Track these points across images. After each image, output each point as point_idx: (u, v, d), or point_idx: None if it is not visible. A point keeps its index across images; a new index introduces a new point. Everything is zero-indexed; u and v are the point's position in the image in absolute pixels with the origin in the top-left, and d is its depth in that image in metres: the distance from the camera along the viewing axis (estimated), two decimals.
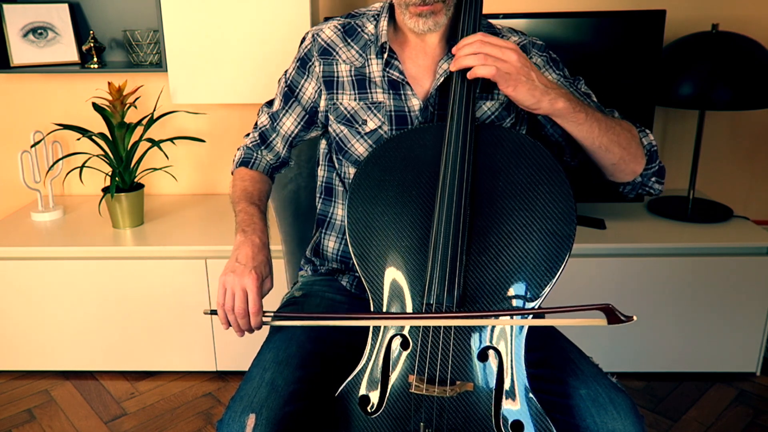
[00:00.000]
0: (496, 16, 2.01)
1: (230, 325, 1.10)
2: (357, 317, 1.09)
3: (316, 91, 1.29)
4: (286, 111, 1.33)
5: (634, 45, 2.07)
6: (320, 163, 1.39)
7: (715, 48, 2.06)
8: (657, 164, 1.24)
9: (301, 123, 1.33)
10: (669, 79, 2.08)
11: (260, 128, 1.36)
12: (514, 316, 1.03)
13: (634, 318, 0.93)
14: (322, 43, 1.28)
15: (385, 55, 1.23)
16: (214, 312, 1.11)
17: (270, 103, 1.38)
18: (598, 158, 1.17)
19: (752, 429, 1.95)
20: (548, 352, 1.17)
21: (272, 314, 1.07)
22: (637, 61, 2.08)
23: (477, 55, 1.04)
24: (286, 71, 1.34)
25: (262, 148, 1.36)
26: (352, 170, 1.30)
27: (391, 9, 1.25)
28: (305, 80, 1.30)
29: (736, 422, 1.97)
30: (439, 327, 1.03)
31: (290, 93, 1.32)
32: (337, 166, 1.33)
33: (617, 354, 2.13)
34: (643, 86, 2.09)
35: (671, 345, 2.12)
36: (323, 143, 1.38)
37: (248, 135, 1.39)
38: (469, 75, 1.07)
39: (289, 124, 1.33)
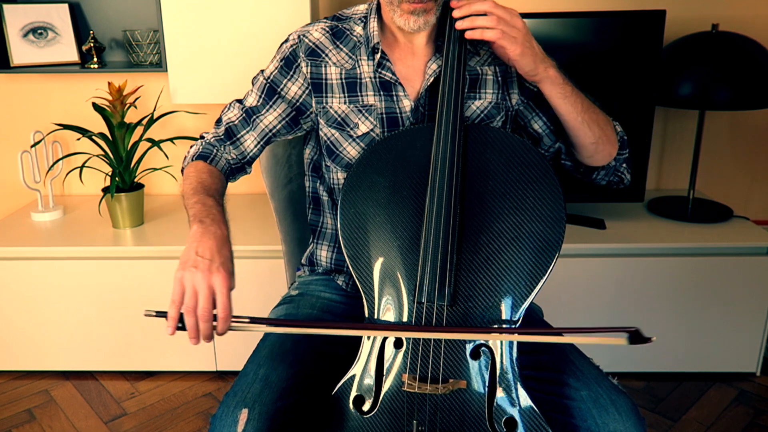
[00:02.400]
0: None
1: (180, 329, 0.96)
2: (332, 325, 1.10)
3: (304, 91, 1.27)
4: (270, 106, 1.28)
5: (634, 45, 2.07)
6: (305, 173, 1.38)
7: (715, 48, 2.06)
8: (627, 152, 1.31)
9: (286, 119, 1.29)
10: (669, 79, 2.08)
11: (227, 124, 1.29)
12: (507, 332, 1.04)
13: (654, 339, 0.93)
14: (310, 44, 1.26)
15: (377, 56, 1.23)
16: (162, 314, 0.96)
17: (241, 101, 1.31)
18: (580, 136, 1.21)
19: (752, 429, 1.95)
20: (549, 354, 1.17)
21: (243, 320, 0.97)
22: (637, 61, 2.07)
23: (488, 17, 1.09)
24: (262, 71, 1.30)
25: (227, 143, 1.29)
26: (341, 175, 1.28)
27: (378, 11, 1.25)
28: (288, 80, 1.27)
29: (736, 422, 1.97)
30: (432, 325, 1.03)
31: (272, 90, 1.28)
32: (324, 172, 1.32)
33: (617, 354, 2.13)
34: (643, 86, 2.09)
35: (671, 345, 2.12)
36: (308, 152, 1.36)
37: (203, 135, 1.31)
38: (476, 36, 1.10)
39: (271, 119, 1.28)
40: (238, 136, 1.29)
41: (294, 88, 1.27)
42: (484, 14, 1.09)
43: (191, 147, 1.28)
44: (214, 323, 0.96)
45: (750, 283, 2.04)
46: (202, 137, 1.30)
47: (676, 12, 2.20)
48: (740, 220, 2.20)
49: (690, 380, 2.16)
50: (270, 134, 1.30)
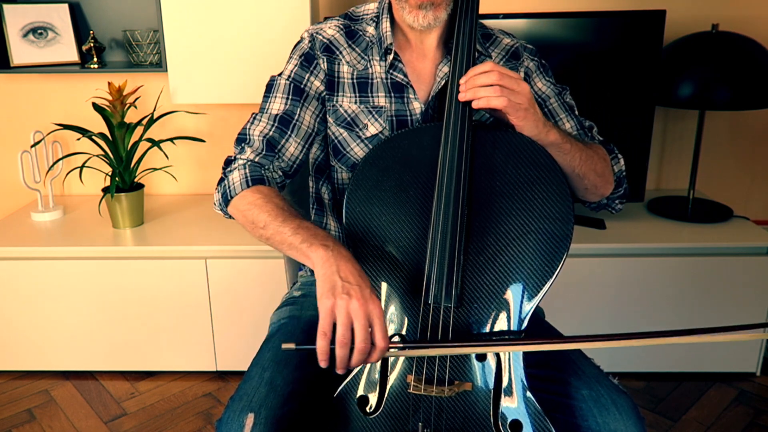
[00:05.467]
0: (495, 16, 2.01)
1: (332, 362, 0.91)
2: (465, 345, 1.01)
3: (325, 86, 1.24)
4: (303, 105, 1.21)
5: (634, 45, 2.07)
6: (310, 173, 1.36)
7: (715, 48, 2.06)
8: (623, 188, 1.30)
9: (319, 116, 1.24)
10: (669, 79, 2.08)
11: (262, 137, 1.18)
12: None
13: None
14: (324, 40, 1.24)
15: (390, 57, 1.22)
16: (303, 349, 0.93)
17: (262, 111, 1.23)
18: (574, 182, 1.19)
19: (752, 429, 1.95)
20: (550, 353, 1.17)
21: (397, 345, 0.92)
22: (637, 61, 2.07)
23: (492, 87, 1.05)
24: (278, 74, 1.25)
25: (274, 159, 1.18)
26: (347, 176, 1.28)
27: (390, 11, 1.25)
28: (311, 74, 1.23)
29: (736, 422, 1.97)
30: (437, 328, 1.03)
31: (298, 89, 1.22)
32: (330, 172, 1.30)
33: (617, 354, 2.13)
34: (643, 86, 2.09)
35: (671, 345, 2.12)
36: (313, 150, 1.33)
37: (235, 158, 1.19)
38: (479, 105, 1.06)
39: (309, 118, 1.22)
40: (279, 147, 1.19)
41: (317, 83, 1.24)
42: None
43: (228, 173, 1.16)
44: None
45: (750, 283, 2.04)
46: (233, 160, 1.19)
47: (676, 12, 2.21)
48: (740, 220, 2.20)
49: (690, 380, 2.16)
50: (312, 134, 1.23)
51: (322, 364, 0.91)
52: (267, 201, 1.09)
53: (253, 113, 1.23)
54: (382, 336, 0.91)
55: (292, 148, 1.21)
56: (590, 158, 1.17)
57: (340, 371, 0.93)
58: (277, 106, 1.21)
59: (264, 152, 1.18)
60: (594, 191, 1.22)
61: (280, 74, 1.25)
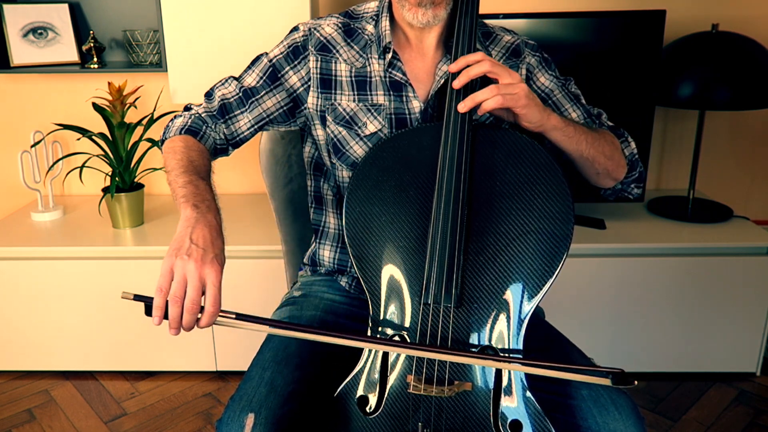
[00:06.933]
0: (495, 16, 2.01)
1: (165, 319, 0.92)
2: (314, 331, 1.03)
3: (303, 84, 1.25)
4: (271, 90, 1.25)
5: (634, 45, 2.07)
6: (307, 172, 1.37)
7: (715, 48, 2.06)
8: (637, 172, 1.30)
9: (284, 107, 1.26)
10: (669, 79, 2.08)
11: (221, 99, 1.24)
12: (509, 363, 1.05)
13: (636, 383, 0.98)
14: (321, 38, 1.25)
15: (389, 56, 1.22)
16: (143, 299, 0.92)
17: (238, 79, 1.27)
18: (585, 168, 1.22)
19: (752, 429, 1.95)
20: (549, 353, 1.17)
21: (229, 315, 0.94)
22: (637, 61, 2.08)
23: (489, 88, 1.07)
24: (266, 53, 1.27)
25: (220, 121, 1.23)
26: (347, 174, 1.27)
27: (390, 9, 1.25)
28: (291, 68, 1.24)
29: (736, 422, 1.97)
30: (437, 328, 1.03)
31: (274, 74, 1.25)
32: (330, 170, 1.31)
33: (617, 354, 2.13)
34: (643, 86, 2.09)
35: (671, 345, 2.12)
36: (307, 150, 1.35)
37: (191, 106, 1.25)
38: (480, 111, 1.08)
39: (270, 104, 1.25)
40: (232, 115, 1.24)
41: (294, 78, 1.25)
42: (483, 77, 1.08)
43: (177, 117, 1.23)
44: (199, 315, 0.93)
45: (750, 283, 2.04)
46: (188, 108, 1.24)
47: (676, 12, 2.21)
48: (740, 220, 2.21)
49: (690, 380, 2.16)
50: (266, 119, 1.26)
51: (155, 321, 0.91)
52: (184, 151, 1.13)
53: (231, 76, 1.28)
54: (213, 302, 0.92)
55: (242, 122, 1.25)
56: (597, 141, 1.18)
57: (172, 331, 0.93)
58: (250, 80, 1.26)
59: (214, 112, 1.23)
60: (606, 175, 1.24)
61: (267, 53, 1.28)
